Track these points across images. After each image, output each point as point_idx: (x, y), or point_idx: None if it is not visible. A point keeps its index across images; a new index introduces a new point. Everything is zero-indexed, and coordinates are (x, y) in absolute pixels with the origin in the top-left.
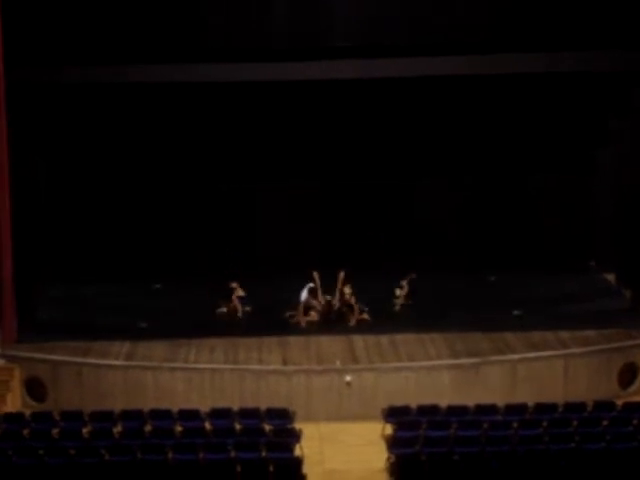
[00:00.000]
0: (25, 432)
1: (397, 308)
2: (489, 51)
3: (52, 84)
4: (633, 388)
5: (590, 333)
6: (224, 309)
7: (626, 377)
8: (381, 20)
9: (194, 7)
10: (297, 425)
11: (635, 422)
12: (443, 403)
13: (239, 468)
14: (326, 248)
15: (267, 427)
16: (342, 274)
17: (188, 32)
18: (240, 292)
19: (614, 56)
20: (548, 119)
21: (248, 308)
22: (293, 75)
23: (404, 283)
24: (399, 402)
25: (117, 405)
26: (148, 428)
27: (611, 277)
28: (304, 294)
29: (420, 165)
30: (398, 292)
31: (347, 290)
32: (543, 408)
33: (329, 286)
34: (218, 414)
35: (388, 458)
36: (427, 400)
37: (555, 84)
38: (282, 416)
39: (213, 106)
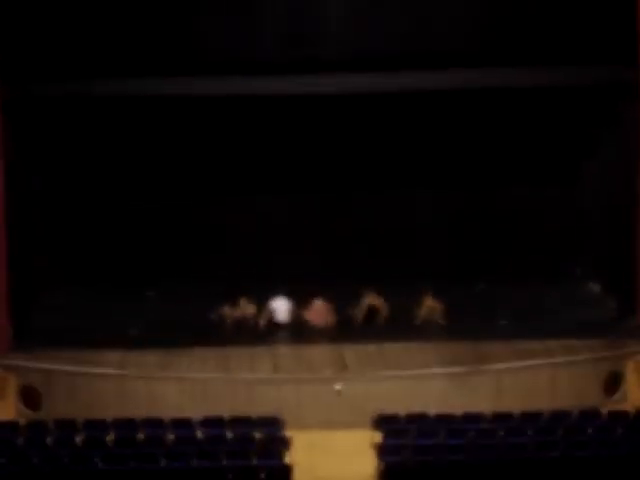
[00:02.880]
0: (19, 441)
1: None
2: (475, 65)
3: (48, 96)
4: (618, 396)
5: (575, 342)
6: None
7: (611, 385)
8: (376, 34)
9: (187, 21)
10: (287, 433)
11: (620, 430)
12: (431, 411)
13: (230, 476)
14: (318, 260)
15: (258, 435)
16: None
17: (183, 46)
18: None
19: (599, 70)
20: (534, 132)
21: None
22: (283, 89)
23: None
24: (388, 410)
25: (110, 414)
26: (140, 437)
27: (596, 286)
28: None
29: (407, 177)
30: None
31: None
32: (529, 416)
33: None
34: (209, 422)
35: (377, 466)
36: (416, 408)
37: (542, 98)
38: (272, 424)
39: (209, 118)
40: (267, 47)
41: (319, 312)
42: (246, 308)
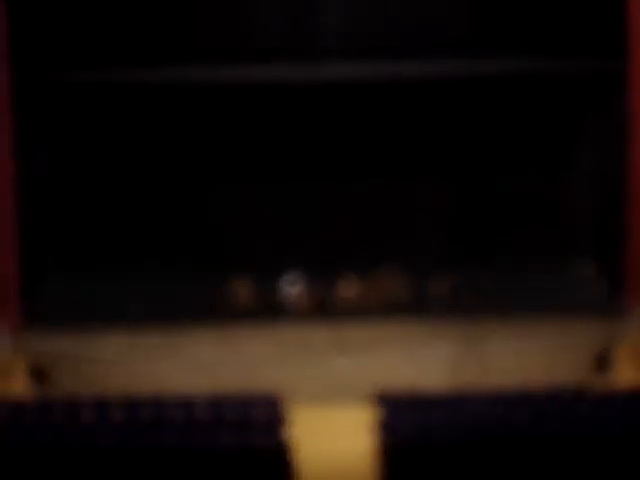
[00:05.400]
0: (26, 419)
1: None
2: (469, 54)
3: (54, 84)
4: (608, 375)
5: (567, 322)
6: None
7: (602, 365)
8: (375, 23)
9: (186, 8)
10: (288, 411)
11: (611, 410)
12: (431, 389)
13: (231, 453)
14: (314, 247)
15: (258, 413)
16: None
17: (181, 33)
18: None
19: (588, 61)
20: (528, 120)
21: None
22: (281, 77)
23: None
24: (388, 388)
25: (115, 392)
26: (143, 415)
27: (588, 267)
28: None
29: (401, 166)
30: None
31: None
32: (523, 395)
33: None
34: (211, 401)
35: (377, 443)
36: (415, 386)
37: (533, 88)
38: (273, 402)
39: (209, 106)
40: (266, 35)
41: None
42: (241, 287)
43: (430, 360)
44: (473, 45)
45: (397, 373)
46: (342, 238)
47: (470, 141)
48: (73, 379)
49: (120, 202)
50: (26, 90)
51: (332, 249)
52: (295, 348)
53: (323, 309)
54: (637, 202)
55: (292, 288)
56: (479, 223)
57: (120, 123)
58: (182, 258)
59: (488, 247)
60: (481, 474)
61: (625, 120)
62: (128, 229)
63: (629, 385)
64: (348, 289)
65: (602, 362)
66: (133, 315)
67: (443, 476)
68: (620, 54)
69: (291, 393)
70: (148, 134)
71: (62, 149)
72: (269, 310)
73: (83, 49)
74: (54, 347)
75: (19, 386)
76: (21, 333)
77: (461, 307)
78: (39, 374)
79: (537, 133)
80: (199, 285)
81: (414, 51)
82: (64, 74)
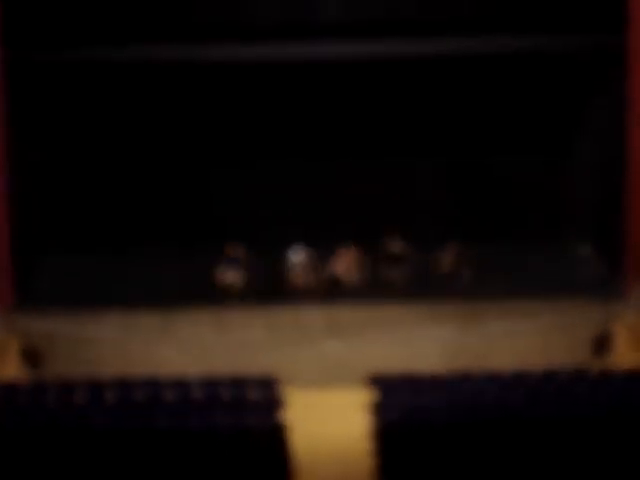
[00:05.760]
0: (20, 400)
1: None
2: (469, 33)
3: (47, 63)
4: (607, 356)
5: (565, 303)
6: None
7: (600, 345)
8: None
9: None
10: (282, 393)
11: (609, 390)
12: (426, 371)
13: (226, 434)
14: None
15: (253, 395)
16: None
17: (180, 11)
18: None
19: (588, 38)
20: (526, 99)
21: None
22: (279, 55)
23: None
24: (383, 370)
25: (109, 374)
26: (139, 396)
27: (586, 248)
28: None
29: (399, 145)
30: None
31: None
32: (520, 377)
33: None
34: (206, 382)
35: (371, 425)
36: (409, 368)
37: (532, 65)
38: (268, 384)
39: (206, 84)
40: (264, 13)
41: (346, 262)
42: (234, 251)
43: (426, 342)
44: (472, 24)
45: (393, 355)
46: (341, 216)
47: (472, 123)
48: (67, 360)
49: (117, 183)
50: (16, 70)
51: (332, 227)
52: (290, 331)
53: (325, 284)
54: (636, 185)
55: (296, 257)
56: (478, 206)
57: (117, 103)
58: (179, 240)
59: (487, 230)
60: (477, 456)
61: (624, 98)
62: (125, 211)
63: (627, 366)
64: (346, 263)
65: (600, 343)
66: (129, 297)
67: (438, 458)
68: (620, 29)
69: (286, 375)
70: (145, 114)
71: (60, 130)
72: (264, 292)
73: (76, 28)
74: (48, 328)
75: (12, 367)
76: (14, 314)
77: (459, 288)
78: (32, 355)
79: (538, 114)
80: (196, 267)
81: (413, 30)
82: (59, 53)
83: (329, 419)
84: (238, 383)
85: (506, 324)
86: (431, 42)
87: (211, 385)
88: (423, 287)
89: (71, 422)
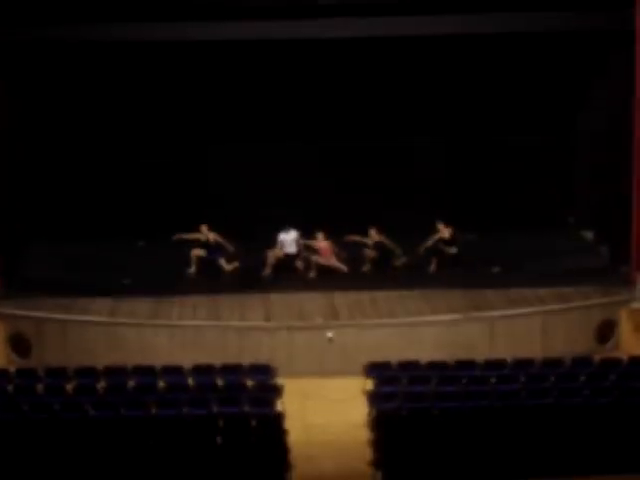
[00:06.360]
0: (9, 388)
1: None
2: (473, 11)
3: (32, 42)
4: (610, 344)
5: (568, 290)
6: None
7: (603, 333)
8: None
9: None
10: (279, 381)
11: (612, 378)
12: (423, 359)
13: (221, 423)
14: (314, 207)
15: (249, 383)
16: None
17: None
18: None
19: (593, 17)
20: (529, 78)
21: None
22: (282, 33)
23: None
24: (380, 358)
25: (101, 361)
26: (131, 384)
27: (589, 234)
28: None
29: (403, 125)
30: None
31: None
32: (521, 364)
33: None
34: (201, 370)
35: (369, 413)
36: (408, 356)
37: (536, 44)
38: (264, 372)
39: (199, 65)
40: None
41: (327, 250)
42: (207, 235)
43: (425, 329)
44: (473, 1)
45: (390, 343)
46: (337, 198)
47: (474, 103)
48: (56, 348)
49: (105, 170)
50: (4, 48)
51: (326, 209)
52: (287, 317)
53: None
54: None
55: (287, 236)
56: (480, 190)
57: (102, 86)
58: (170, 225)
59: (488, 214)
60: (476, 444)
61: (629, 79)
62: (113, 196)
63: (631, 354)
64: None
65: (604, 331)
66: (119, 282)
67: (436, 446)
68: (625, 9)
69: (282, 363)
70: (132, 98)
71: (46, 116)
72: (259, 279)
73: (59, 5)
74: (36, 315)
75: (0, 355)
76: (1, 301)
77: (459, 274)
78: (20, 343)
79: (541, 94)
80: (186, 254)
81: (413, 8)
82: (37, 31)
83: (326, 407)
84: (233, 370)
85: (507, 311)
86: (431, 20)
87: (205, 373)
88: (421, 273)
89: (61, 410)
